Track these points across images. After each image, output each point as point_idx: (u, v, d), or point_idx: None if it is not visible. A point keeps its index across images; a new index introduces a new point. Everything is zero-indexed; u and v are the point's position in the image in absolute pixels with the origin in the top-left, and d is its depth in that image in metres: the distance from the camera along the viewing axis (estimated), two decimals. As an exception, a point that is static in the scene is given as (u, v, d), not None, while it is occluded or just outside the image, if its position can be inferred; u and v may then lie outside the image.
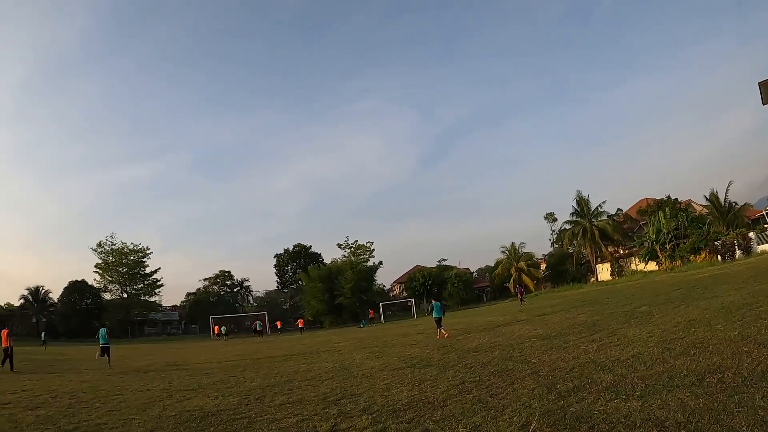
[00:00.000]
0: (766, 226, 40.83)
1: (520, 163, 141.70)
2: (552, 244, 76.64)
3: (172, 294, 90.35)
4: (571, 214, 55.94)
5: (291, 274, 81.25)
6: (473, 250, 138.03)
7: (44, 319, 66.98)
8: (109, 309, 67.51)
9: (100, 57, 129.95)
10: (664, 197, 51.79)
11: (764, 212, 48.22)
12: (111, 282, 71.75)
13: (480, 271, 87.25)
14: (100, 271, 71.06)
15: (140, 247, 73.19)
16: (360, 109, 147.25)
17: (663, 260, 41.97)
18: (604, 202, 54.85)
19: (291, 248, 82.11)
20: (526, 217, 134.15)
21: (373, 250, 72.62)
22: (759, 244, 35.27)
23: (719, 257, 36.35)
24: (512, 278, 60.07)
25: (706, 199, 46.89)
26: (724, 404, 4.68)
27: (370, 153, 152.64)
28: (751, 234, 36.92)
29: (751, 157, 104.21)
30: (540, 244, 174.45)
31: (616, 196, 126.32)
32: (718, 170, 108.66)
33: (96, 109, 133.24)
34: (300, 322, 52.62)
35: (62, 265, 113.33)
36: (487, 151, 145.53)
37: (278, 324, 52.86)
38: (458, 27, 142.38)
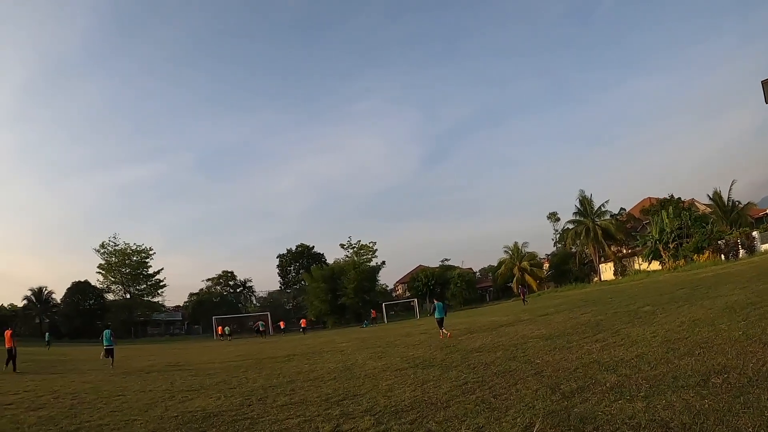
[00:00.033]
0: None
1: (522, 162, 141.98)
2: (555, 243, 76.70)
3: (175, 294, 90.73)
4: (574, 213, 55.92)
5: (294, 274, 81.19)
6: (476, 250, 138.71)
7: (47, 320, 67.14)
8: (112, 309, 67.66)
9: (101, 57, 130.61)
10: (667, 196, 51.56)
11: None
12: (114, 283, 71.84)
13: (483, 270, 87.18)
14: (103, 272, 71.13)
15: (143, 247, 73.32)
16: (361, 110, 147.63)
17: (666, 260, 41.81)
18: (607, 202, 54.99)
19: (294, 248, 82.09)
20: (529, 217, 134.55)
21: (376, 250, 72.74)
22: (762, 243, 35.09)
23: (723, 256, 36.20)
24: (515, 278, 59.94)
25: (709, 198, 46.68)
26: (730, 405, 4.63)
27: (372, 153, 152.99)
28: (755, 233, 36.74)
29: (754, 156, 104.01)
30: (543, 244, 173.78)
31: (619, 196, 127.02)
32: (722, 169, 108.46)
33: (98, 109, 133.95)
34: (302, 322, 52.70)
35: (65, 265, 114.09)
36: (489, 150, 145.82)
37: (281, 324, 52.89)
38: (459, 27, 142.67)
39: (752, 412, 4.35)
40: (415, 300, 58.37)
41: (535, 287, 57.15)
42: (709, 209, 47.94)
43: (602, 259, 54.50)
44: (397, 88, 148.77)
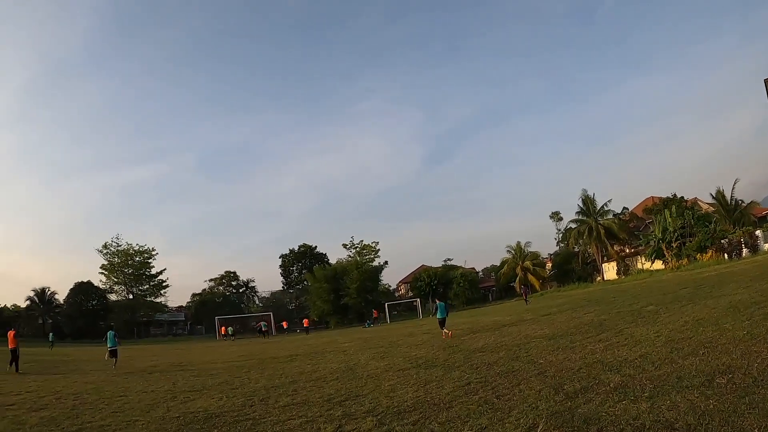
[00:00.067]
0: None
1: (524, 162, 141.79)
2: (558, 243, 76.58)
3: (177, 295, 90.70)
4: (577, 212, 55.72)
5: (296, 274, 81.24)
6: (479, 250, 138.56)
7: (50, 321, 67.39)
8: (114, 310, 67.80)
9: (102, 58, 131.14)
10: (670, 195, 51.46)
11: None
12: (117, 283, 72.03)
13: (485, 270, 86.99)
14: (106, 272, 71.29)
15: (146, 248, 73.49)
16: (363, 110, 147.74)
17: (669, 259, 41.66)
18: (609, 201, 54.54)
19: (296, 248, 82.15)
20: (532, 217, 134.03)
21: (379, 250, 72.63)
22: (766, 242, 34.96)
23: (726, 256, 36.05)
24: (518, 278, 59.83)
25: (712, 197, 46.49)
26: (735, 405, 4.60)
27: (373, 153, 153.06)
28: (758, 232, 36.58)
29: (757, 155, 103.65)
30: (546, 244, 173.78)
31: (621, 195, 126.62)
32: (724, 169, 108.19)
33: (99, 110, 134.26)
34: (305, 322, 52.86)
35: (68, 266, 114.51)
36: (491, 150, 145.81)
37: (284, 324, 52.97)
38: (460, 27, 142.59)
39: (758, 412, 4.31)
40: (418, 300, 58.31)
41: (537, 287, 57.02)
42: (711, 208, 47.74)
43: (605, 259, 54.35)
44: (398, 88, 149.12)
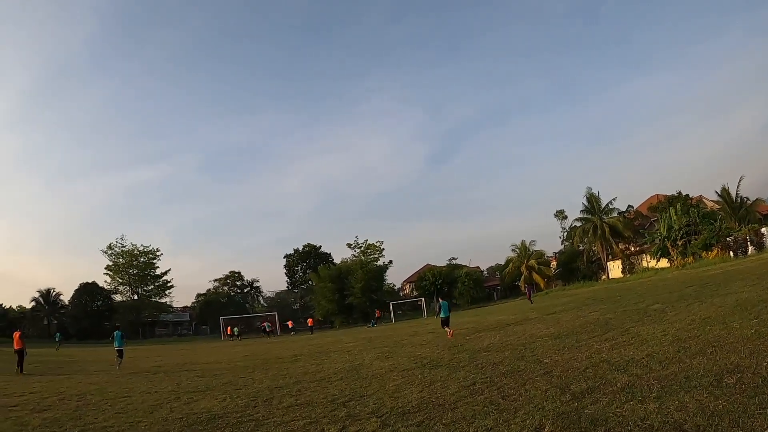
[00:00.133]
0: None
1: (528, 161, 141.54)
2: (562, 241, 76.31)
3: (182, 295, 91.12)
4: (582, 211, 55.57)
5: (301, 274, 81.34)
6: (483, 249, 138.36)
7: (55, 321, 67.65)
8: (119, 310, 67.98)
9: (104, 59, 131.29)
10: (675, 193, 51.24)
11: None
12: (121, 284, 72.27)
13: (490, 269, 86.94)
14: (111, 273, 71.52)
15: (150, 248, 73.69)
16: (366, 110, 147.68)
17: (674, 257, 41.48)
18: (614, 199, 54.35)
19: (301, 248, 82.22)
20: (536, 215, 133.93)
21: (383, 249, 72.42)
22: (772, 239, 34.74)
23: (731, 253, 35.86)
24: (523, 276, 59.73)
25: (718, 194, 46.20)
26: (745, 406, 4.52)
27: (377, 153, 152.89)
28: (764, 230, 36.35)
29: (762, 153, 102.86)
30: (550, 242, 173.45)
31: (626, 193, 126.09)
32: (730, 166, 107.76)
33: (102, 112, 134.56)
34: (310, 322, 52.98)
35: (73, 267, 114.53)
36: (495, 149, 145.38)
37: (290, 324, 53.07)
38: (463, 27, 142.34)
39: (769, 413, 4.23)
40: (423, 299, 58.27)
41: (542, 285, 56.94)
42: (717, 206, 47.46)
43: (610, 257, 54.14)
44: (400, 88, 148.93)
